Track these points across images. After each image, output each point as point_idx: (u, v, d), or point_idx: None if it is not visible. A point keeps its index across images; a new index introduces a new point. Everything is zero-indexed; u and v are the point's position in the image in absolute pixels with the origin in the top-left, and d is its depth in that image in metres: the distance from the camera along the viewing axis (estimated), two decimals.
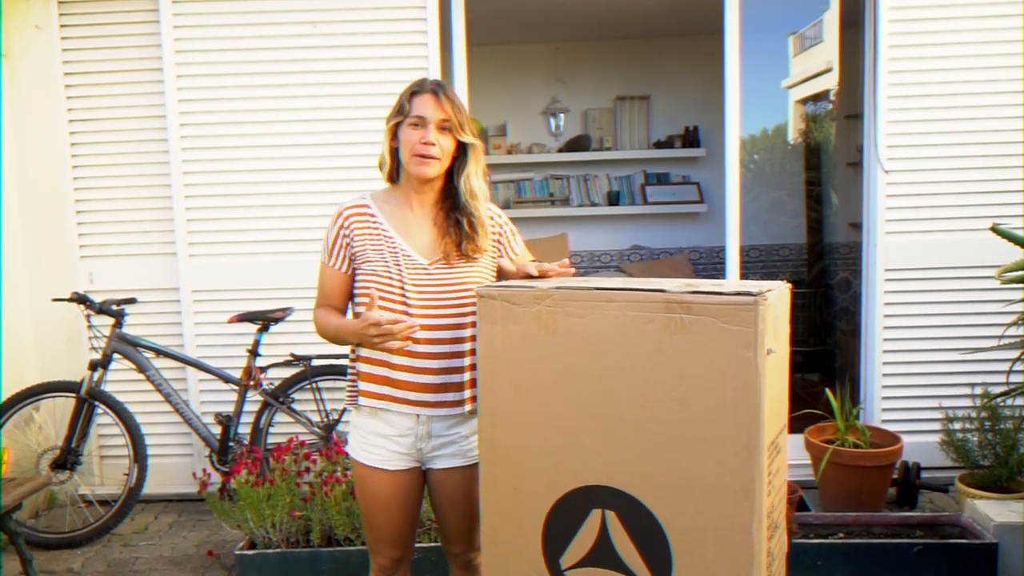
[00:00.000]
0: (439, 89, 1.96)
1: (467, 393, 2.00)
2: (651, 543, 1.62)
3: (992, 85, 3.81)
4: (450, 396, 1.99)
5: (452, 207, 2.03)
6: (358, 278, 2.02)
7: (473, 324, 1.96)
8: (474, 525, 2.08)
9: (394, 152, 2.01)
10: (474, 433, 2.03)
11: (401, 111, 1.98)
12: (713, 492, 1.54)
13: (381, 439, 2.02)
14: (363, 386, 2.01)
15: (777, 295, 1.62)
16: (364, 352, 2.01)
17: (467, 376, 2.00)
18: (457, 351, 1.99)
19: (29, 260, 4.07)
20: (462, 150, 2.02)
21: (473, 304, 1.94)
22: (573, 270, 1.98)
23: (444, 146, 1.97)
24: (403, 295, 1.96)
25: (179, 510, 4.04)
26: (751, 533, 1.52)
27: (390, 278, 1.97)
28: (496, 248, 2.10)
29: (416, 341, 1.95)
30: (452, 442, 2.03)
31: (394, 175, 2.05)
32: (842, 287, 5.45)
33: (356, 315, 2.04)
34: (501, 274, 2.12)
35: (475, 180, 2.03)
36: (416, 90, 1.97)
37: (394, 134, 2.00)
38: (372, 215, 2.02)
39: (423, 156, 1.95)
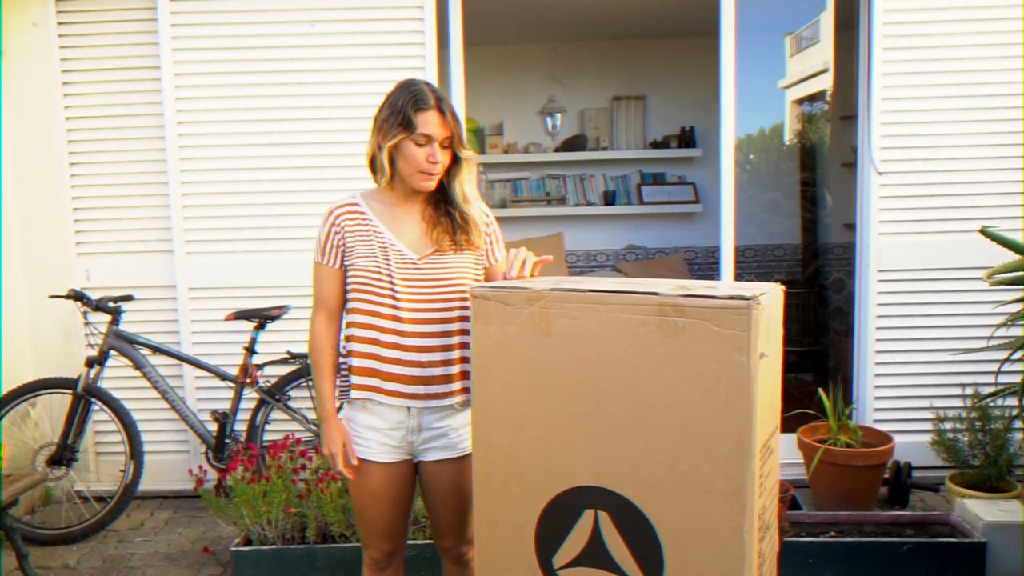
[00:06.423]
0: (443, 105, 1.98)
1: (456, 386, 2.04)
2: (643, 543, 1.63)
3: (985, 88, 3.83)
4: (438, 388, 2.03)
5: (441, 201, 2.08)
6: (349, 275, 2.06)
7: (461, 318, 2.01)
8: (465, 518, 2.12)
9: (391, 159, 2.02)
10: (464, 426, 2.06)
11: (406, 126, 1.96)
12: (705, 494, 1.56)
13: (372, 432, 2.06)
14: (354, 379, 2.05)
15: (770, 298, 1.63)
16: (355, 346, 2.04)
17: (456, 369, 2.04)
18: (445, 344, 2.02)
19: (26, 257, 4.08)
20: (455, 157, 2.05)
21: (461, 298, 2.00)
22: (551, 258, 2.01)
23: (444, 161, 2.02)
24: (391, 289, 2.00)
25: (175, 507, 4.05)
26: (742, 534, 1.53)
27: (379, 273, 2.01)
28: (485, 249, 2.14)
29: (404, 335, 1.99)
30: (443, 435, 2.06)
31: (391, 180, 2.06)
32: (836, 287, 5.47)
33: (349, 311, 2.07)
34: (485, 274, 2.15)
35: (468, 186, 2.08)
36: (421, 106, 1.95)
37: (392, 142, 1.98)
38: (363, 213, 2.06)
39: (428, 173, 1.99)
